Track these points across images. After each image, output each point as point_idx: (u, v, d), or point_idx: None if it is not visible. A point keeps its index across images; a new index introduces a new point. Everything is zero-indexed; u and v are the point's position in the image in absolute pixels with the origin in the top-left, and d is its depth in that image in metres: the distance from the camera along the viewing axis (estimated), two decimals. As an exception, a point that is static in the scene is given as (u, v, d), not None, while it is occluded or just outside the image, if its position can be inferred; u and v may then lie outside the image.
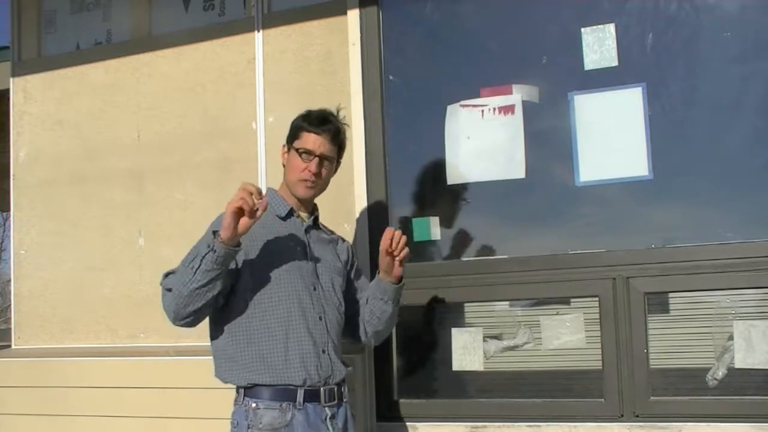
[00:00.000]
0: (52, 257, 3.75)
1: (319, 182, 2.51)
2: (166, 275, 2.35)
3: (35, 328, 3.76)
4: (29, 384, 3.61)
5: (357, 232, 3.15)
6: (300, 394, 2.34)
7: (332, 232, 2.70)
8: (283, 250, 2.44)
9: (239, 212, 2.19)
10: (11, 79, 3.92)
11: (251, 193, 2.21)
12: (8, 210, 4.10)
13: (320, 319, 2.44)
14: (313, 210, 2.60)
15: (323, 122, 2.51)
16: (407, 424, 3.01)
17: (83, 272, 3.68)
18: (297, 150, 2.49)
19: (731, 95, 2.81)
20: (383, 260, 2.48)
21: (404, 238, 2.46)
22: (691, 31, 2.85)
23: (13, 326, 3.85)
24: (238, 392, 2.39)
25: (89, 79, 3.75)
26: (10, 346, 3.86)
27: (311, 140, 2.48)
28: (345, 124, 2.59)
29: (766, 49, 2.75)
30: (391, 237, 2.44)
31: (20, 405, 3.61)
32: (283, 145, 2.57)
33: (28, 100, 3.88)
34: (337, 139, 2.53)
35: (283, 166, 2.57)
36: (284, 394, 2.34)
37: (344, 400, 2.47)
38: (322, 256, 2.54)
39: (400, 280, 2.55)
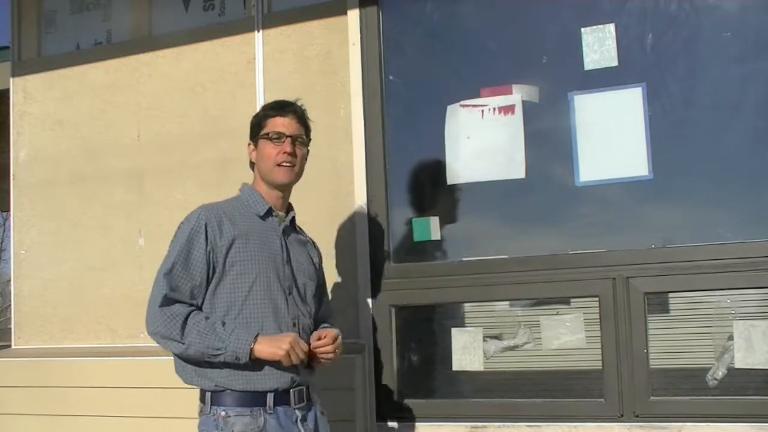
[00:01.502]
0: (52, 257, 3.75)
1: (296, 163, 2.45)
2: (166, 312, 2.26)
3: (35, 328, 3.76)
4: (29, 384, 3.61)
5: (357, 232, 3.15)
6: (270, 398, 2.28)
7: (306, 234, 2.64)
8: (261, 252, 2.37)
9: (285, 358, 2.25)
10: (11, 79, 3.92)
11: (299, 356, 2.27)
12: (8, 210, 4.10)
13: (294, 325, 2.38)
14: (288, 209, 2.53)
15: (286, 105, 2.50)
16: (407, 424, 3.01)
17: (83, 272, 3.68)
18: (267, 136, 2.43)
19: (731, 95, 2.81)
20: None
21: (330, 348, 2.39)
22: (691, 31, 2.85)
23: (13, 326, 3.85)
24: (203, 400, 2.32)
25: (89, 79, 3.75)
26: (10, 346, 3.86)
27: (279, 123, 2.45)
28: (305, 108, 2.55)
29: (766, 49, 2.75)
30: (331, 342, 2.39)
31: (20, 405, 3.61)
32: (249, 143, 2.51)
33: (28, 100, 3.88)
34: (303, 119, 2.50)
35: (252, 165, 2.51)
36: (254, 399, 2.27)
37: (312, 400, 2.42)
38: (299, 259, 2.48)
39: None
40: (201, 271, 2.31)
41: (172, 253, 2.33)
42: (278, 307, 2.35)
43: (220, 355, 2.23)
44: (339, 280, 3.15)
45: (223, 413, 2.26)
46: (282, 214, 2.50)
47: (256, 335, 2.25)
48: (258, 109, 3.33)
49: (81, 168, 3.73)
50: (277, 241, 2.44)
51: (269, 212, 2.46)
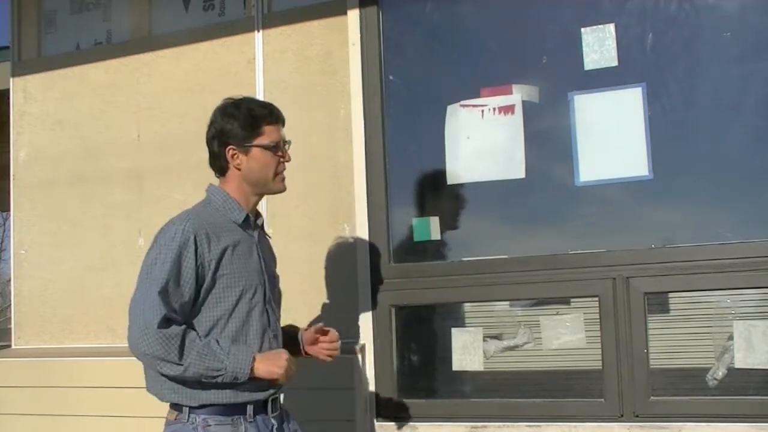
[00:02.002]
0: (52, 257, 3.75)
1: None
2: (162, 335, 2.16)
3: (35, 328, 3.76)
4: (29, 384, 3.61)
5: (357, 232, 3.15)
6: (250, 408, 2.25)
7: (268, 236, 2.58)
8: (245, 263, 2.31)
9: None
10: (11, 79, 3.92)
11: (293, 371, 2.27)
12: (8, 210, 4.10)
13: (275, 337, 2.35)
14: (257, 214, 2.45)
15: (273, 109, 2.40)
16: (407, 424, 3.01)
17: (83, 272, 3.68)
18: (267, 146, 2.33)
19: (731, 95, 2.81)
20: (311, 342, 2.44)
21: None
22: (691, 31, 2.85)
23: (13, 326, 3.85)
24: (179, 409, 2.24)
25: (89, 79, 3.75)
26: (10, 346, 3.86)
27: (277, 131, 2.37)
28: None
29: (766, 49, 2.75)
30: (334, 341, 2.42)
31: (20, 405, 3.61)
32: (230, 148, 2.34)
33: (28, 100, 3.88)
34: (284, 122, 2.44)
35: (222, 170, 2.39)
36: (235, 408, 2.23)
37: (283, 408, 2.40)
38: (271, 266, 2.44)
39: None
40: (191, 287, 2.23)
41: (160, 267, 2.22)
42: (261, 321, 2.31)
43: (219, 376, 2.17)
44: (339, 280, 3.15)
45: (203, 422, 2.20)
46: (252, 219, 2.42)
47: (252, 354, 2.22)
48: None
49: (81, 168, 3.73)
50: (255, 249, 2.37)
51: (247, 220, 2.37)
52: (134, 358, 3.45)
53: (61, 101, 3.80)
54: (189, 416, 2.21)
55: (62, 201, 3.76)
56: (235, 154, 2.35)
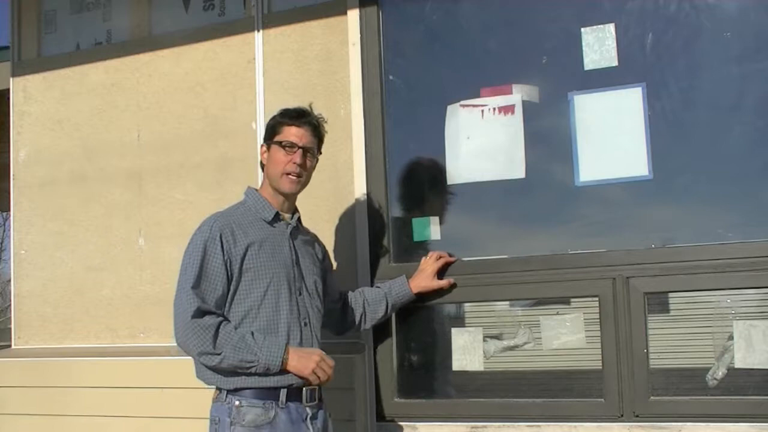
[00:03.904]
0: (52, 257, 3.75)
1: (303, 175, 2.55)
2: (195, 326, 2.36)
3: (35, 328, 3.76)
4: (29, 384, 3.61)
5: (357, 232, 3.15)
6: (283, 394, 2.39)
7: (309, 232, 2.75)
8: (273, 258, 2.47)
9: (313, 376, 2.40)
10: (11, 79, 3.92)
11: (326, 373, 2.42)
12: (8, 210, 4.10)
13: (305, 325, 2.50)
14: (294, 211, 2.63)
15: (302, 115, 2.57)
16: (407, 424, 3.01)
17: (83, 272, 3.68)
18: (280, 143, 2.52)
19: (731, 95, 2.80)
20: (433, 266, 2.82)
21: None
22: (691, 31, 2.85)
23: (13, 326, 3.85)
24: (219, 390, 2.43)
25: (89, 79, 3.75)
26: (10, 346, 3.86)
27: (293, 132, 2.53)
28: (322, 119, 2.65)
29: (766, 49, 2.75)
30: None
31: (20, 405, 3.61)
32: (262, 145, 2.61)
33: (28, 100, 3.88)
34: (318, 131, 2.59)
35: (262, 166, 2.61)
36: (268, 393, 2.38)
37: (323, 401, 2.52)
38: (306, 259, 2.59)
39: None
40: (222, 281, 2.40)
41: (191, 266, 2.39)
42: (291, 310, 2.46)
43: (252, 367, 2.34)
44: (339, 280, 3.14)
45: (237, 402, 2.36)
46: (288, 216, 2.58)
47: (286, 347, 2.37)
48: (258, 108, 3.38)
49: (81, 168, 3.73)
50: (286, 244, 2.53)
51: (276, 217, 2.53)
52: (134, 359, 3.47)
53: (61, 101, 3.80)
54: (226, 397, 2.39)
55: (62, 201, 3.76)
56: (264, 152, 2.59)
